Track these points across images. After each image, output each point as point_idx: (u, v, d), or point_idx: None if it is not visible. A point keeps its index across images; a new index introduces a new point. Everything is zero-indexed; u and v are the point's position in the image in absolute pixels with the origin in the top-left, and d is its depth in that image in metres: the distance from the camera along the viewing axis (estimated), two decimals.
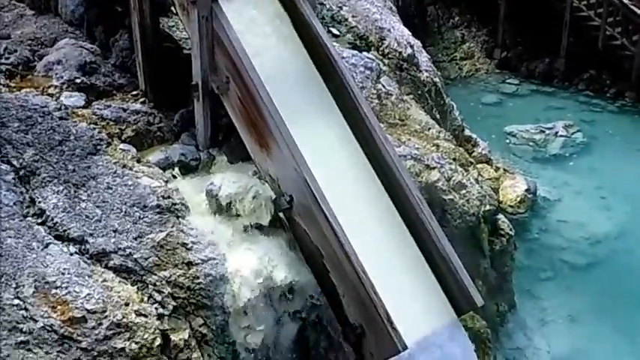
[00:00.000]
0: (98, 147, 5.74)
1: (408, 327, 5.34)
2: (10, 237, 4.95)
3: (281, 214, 5.74)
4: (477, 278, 7.94)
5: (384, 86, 8.27)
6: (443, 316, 5.79)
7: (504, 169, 10.70)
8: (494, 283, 8.65)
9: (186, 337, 5.13)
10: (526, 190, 10.58)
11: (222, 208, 5.70)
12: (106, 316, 4.81)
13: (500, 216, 9.07)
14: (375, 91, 8.11)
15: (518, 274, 9.40)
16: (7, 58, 6.57)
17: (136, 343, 4.83)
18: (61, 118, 5.83)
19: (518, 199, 10.49)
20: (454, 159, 8.23)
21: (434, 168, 7.73)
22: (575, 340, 8.91)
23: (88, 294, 4.84)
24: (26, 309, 4.65)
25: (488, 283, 8.47)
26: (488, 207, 8.43)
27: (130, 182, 5.56)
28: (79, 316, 4.74)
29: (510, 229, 9.01)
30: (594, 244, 10.49)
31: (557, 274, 10.04)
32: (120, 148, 5.85)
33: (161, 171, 5.86)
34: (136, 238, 5.28)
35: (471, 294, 5.77)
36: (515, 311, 9.13)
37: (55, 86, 6.27)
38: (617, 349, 8.68)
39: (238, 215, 5.72)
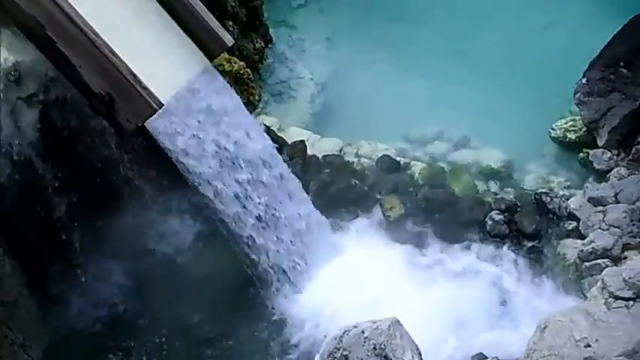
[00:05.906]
0: None
1: (160, 84, 4.99)
2: None
3: None
4: (225, 19, 7.57)
5: None
6: (196, 64, 5.47)
7: None
8: (246, 20, 8.35)
9: None
10: None
11: None
12: None
13: None
14: None
15: (269, 7, 9.13)
16: None
17: None
18: None
19: None
20: None
21: None
22: (335, 61, 9.03)
23: None
24: None
25: (239, 22, 8.15)
26: None
27: None
28: None
29: None
30: None
31: None
32: None
33: None
34: None
35: (219, 35, 5.46)
36: (272, 45, 9.02)
37: None
38: (375, 59, 8.86)
39: None
